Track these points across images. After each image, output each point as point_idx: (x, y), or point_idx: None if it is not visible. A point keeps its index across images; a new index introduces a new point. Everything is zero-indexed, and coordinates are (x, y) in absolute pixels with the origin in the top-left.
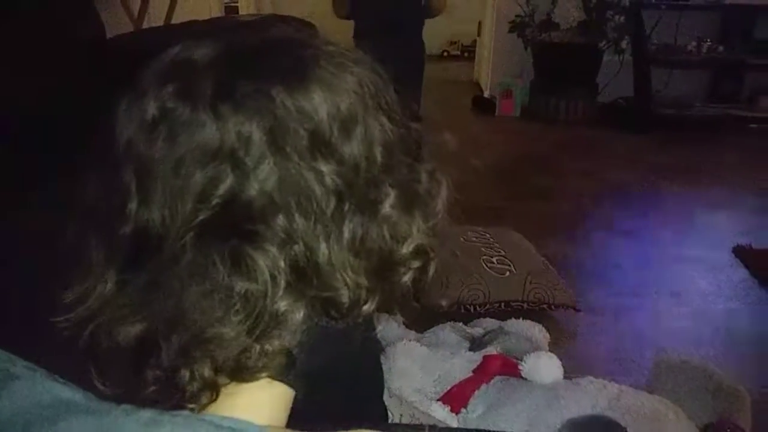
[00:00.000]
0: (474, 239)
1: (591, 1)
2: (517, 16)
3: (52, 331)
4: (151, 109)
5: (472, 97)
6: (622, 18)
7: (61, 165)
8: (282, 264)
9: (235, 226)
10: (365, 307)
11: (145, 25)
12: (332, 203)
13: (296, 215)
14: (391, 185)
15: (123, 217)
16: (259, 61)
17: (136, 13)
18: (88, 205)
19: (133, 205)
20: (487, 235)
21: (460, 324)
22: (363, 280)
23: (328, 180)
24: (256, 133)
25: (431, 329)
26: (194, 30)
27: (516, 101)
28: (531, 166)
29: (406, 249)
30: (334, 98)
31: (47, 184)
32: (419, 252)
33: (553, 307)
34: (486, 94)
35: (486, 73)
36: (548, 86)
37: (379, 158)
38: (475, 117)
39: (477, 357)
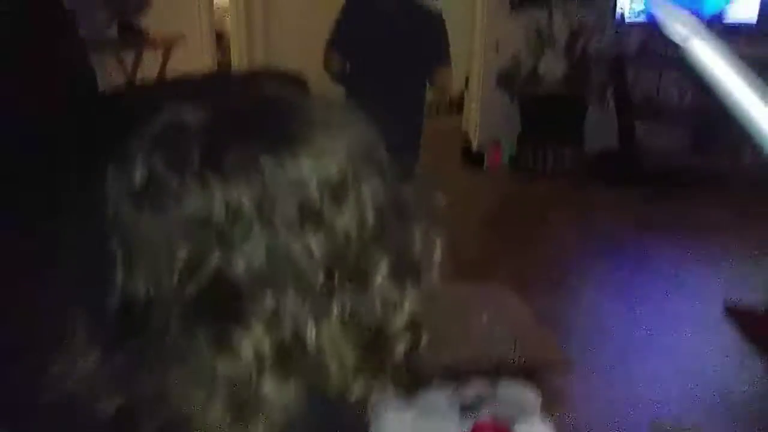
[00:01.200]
0: (462, 296)
1: (574, 55)
2: (503, 69)
3: (31, 402)
4: (140, 176)
5: (460, 149)
6: (606, 71)
7: (46, 215)
8: (267, 346)
9: (220, 305)
10: (354, 387)
11: (138, 78)
12: (321, 277)
13: (283, 292)
14: (383, 252)
15: (108, 288)
16: (249, 126)
17: (129, 67)
18: (72, 274)
19: (119, 277)
20: (477, 292)
21: (450, 387)
22: (352, 358)
23: (317, 253)
24: (244, 204)
25: (420, 393)
26: (186, 85)
27: (504, 153)
28: (519, 218)
29: (399, 322)
30: (324, 164)
31: (33, 239)
32: (413, 324)
33: (544, 366)
34: (474, 146)
35: (474, 126)
36: (535, 138)
37: (371, 222)
38: (464, 168)
39: (468, 423)
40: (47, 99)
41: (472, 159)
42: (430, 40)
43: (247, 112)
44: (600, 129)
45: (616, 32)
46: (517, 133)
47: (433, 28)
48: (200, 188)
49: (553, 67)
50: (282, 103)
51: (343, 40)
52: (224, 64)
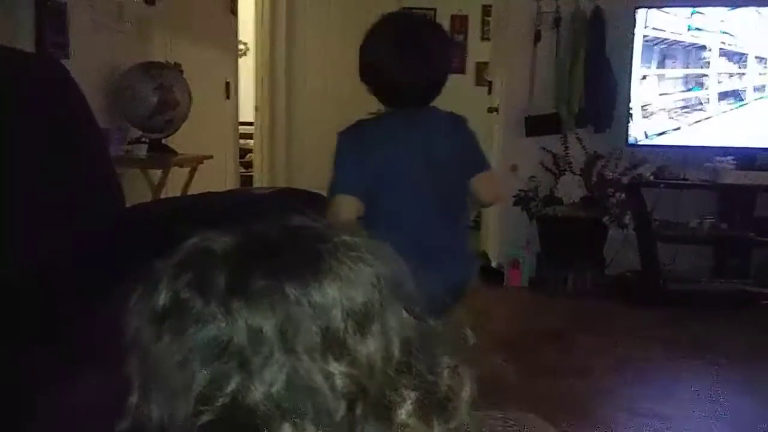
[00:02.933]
0: (498, 427)
1: (591, 178)
2: (520, 190)
3: None
4: (164, 298)
5: (479, 267)
6: (623, 195)
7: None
8: None
9: None
10: None
11: (163, 195)
12: (342, 408)
13: (302, 423)
14: (409, 386)
15: (122, 411)
16: (276, 254)
17: (156, 183)
18: (86, 398)
19: (133, 400)
20: (510, 421)
21: None
22: None
23: (339, 383)
24: (267, 331)
25: None
26: (207, 204)
27: (523, 272)
28: (541, 340)
29: None
30: (350, 292)
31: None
32: None
33: None
34: (493, 264)
35: (492, 244)
36: (555, 258)
37: (396, 355)
38: (483, 287)
39: None
40: (74, 215)
41: (492, 277)
42: (466, 146)
43: (275, 241)
44: (621, 251)
45: (631, 156)
46: (536, 253)
47: (465, 131)
48: (224, 313)
49: (570, 189)
50: (310, 233)
51: (357, 178)
52: (246, 179)
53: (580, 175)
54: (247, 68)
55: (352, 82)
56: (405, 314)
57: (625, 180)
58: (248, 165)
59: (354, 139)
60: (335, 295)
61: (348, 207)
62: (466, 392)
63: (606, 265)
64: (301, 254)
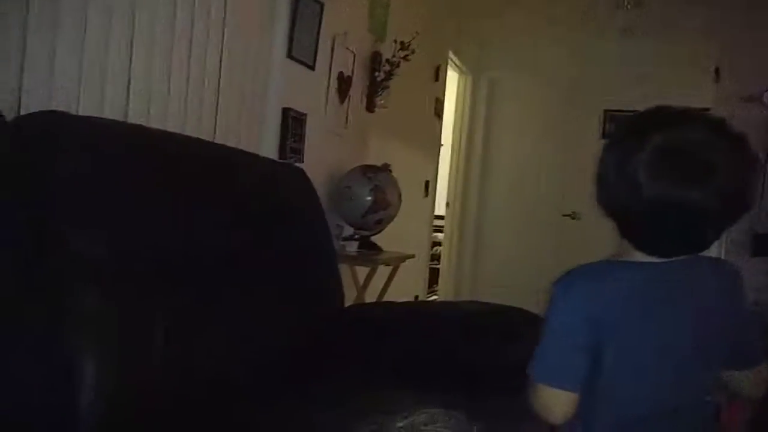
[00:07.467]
0: None
1: None
2: None
3: None
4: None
5: None
6: None
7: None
8: None
9: None
10: None
11: (366, 294)
12: None
13: None
14: None
15: None
16: None
17: (361, 279)
18: None
19: None
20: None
21: None
22: None
23: None
24: None
25: None
26: (421, 314)
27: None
28: None
29: None
30: None
31: None
32: None
33: None
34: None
35: None
36: None
37: None
38: None
39: None
40: (305, 308)
41: None
42: (742, 326)
43: None
44: None
45: None
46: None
47: (742, 297)
48: None
49: None
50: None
51: (579, 365)
52: (433, 272)
53: None
54: (440, 163)
55: (545, 185)
56: None
57: None
58: (434, 257)
59: (581, 303)
60: None
61: (562, 406)
62: None
63: None
64: None
